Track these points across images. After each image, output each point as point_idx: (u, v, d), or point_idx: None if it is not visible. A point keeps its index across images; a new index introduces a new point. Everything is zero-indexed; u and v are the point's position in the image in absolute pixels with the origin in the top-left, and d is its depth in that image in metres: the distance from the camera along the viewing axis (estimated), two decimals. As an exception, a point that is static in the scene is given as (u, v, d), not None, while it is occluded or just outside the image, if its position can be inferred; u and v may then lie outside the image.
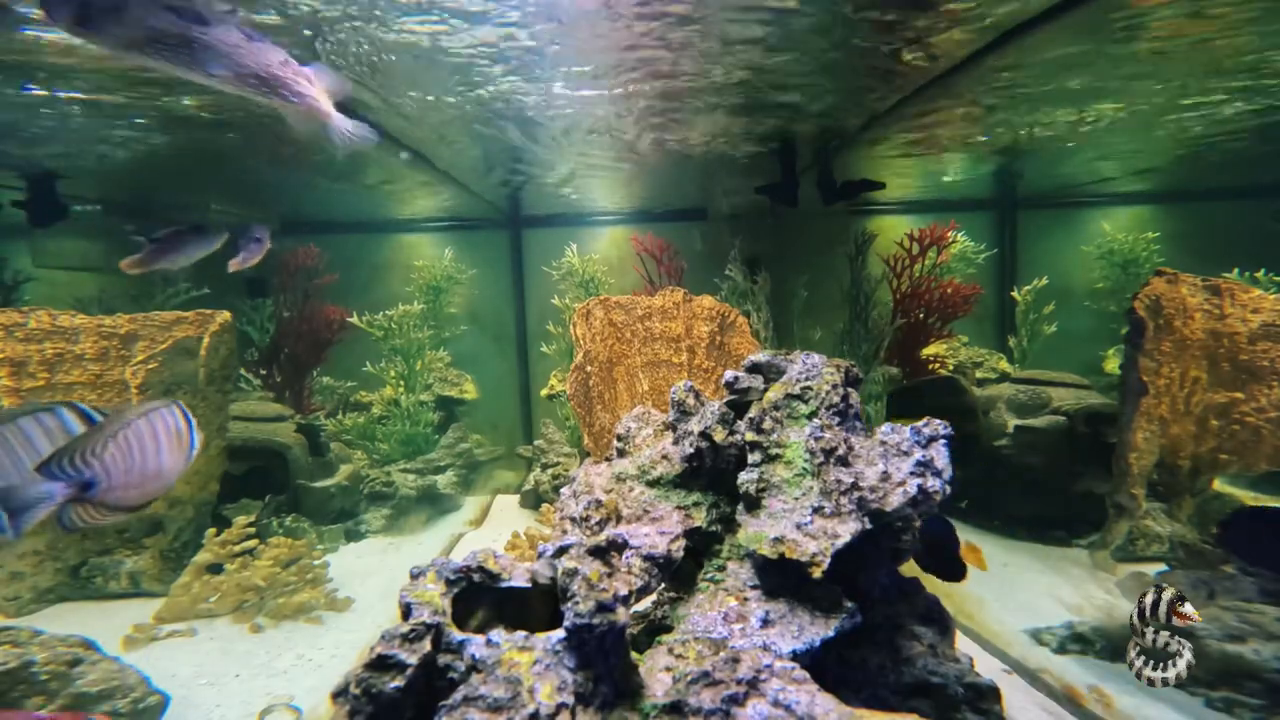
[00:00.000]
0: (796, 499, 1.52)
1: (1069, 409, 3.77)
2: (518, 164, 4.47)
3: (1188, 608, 1.73)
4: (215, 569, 3.15)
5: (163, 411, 1.65)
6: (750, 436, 1.63)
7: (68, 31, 1.54)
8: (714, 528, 1.66)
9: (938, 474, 1.53)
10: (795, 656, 1.34)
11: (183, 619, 3.04)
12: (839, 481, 1.50)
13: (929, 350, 5.26)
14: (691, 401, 1.82)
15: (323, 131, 1.97)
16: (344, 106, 2.00)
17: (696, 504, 1.69)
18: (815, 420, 1.61)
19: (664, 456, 1.77)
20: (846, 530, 1.43)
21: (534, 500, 4.77)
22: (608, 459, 1.91)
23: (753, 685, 1.15)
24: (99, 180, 4.54)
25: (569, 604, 1.19)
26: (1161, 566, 2.97)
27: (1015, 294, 6.02)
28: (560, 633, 1.21)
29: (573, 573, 1.22)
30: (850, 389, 1.72)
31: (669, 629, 1.51)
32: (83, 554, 3.33)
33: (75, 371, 3.25)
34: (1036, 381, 4.15)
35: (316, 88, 1.86)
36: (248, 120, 3.27)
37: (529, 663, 1.17)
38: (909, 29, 2.45)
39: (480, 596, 1.35)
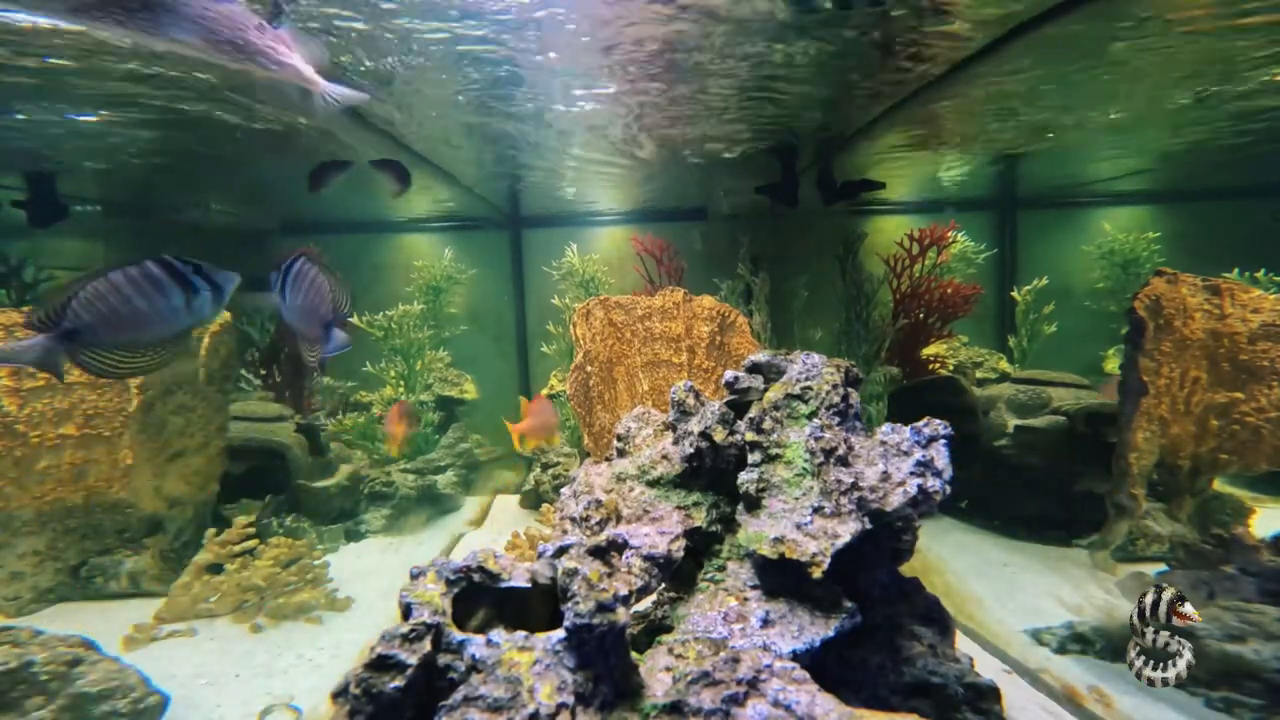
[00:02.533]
0: (796, 499, 1.52)
1: (1069, 409, 3.77)
2: (518, 164, 4.48)
3: (1188, 608, 1.73)
4: (215, 569, 3.15)
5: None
6: (750, 436, 1.63)
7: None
8: (714, 528, 1.66)
9: (938, 474, 1.53)
10: (795, 656, 1.34)
11: (183, 619, 3.04)
12: (839, 481, 1.50)
13: (929, 350, 5.26)
14: (691, 401, 1.82)
15: (304, 100, 1.92)
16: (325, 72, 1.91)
17: (696, 504, 1.69)
18: (815, 420, 1.61)
19: (664, 456, 1.77)
20: (846, 530, 1.43)
21: (534, 500, 4.77)
22: (608, 459, 1.91)
23: (753, 685, 1.15)
24: (99, 180, 4.54)
25: (569, 604, 1.19)
26: (1161, 566, 2.97)
27: (1015, 294, 6.02)
28: (560, 633, 1.21)
29: (573, 573, 1.22)
30: (850, 389, 1.72)
31: (669, 629, 1.51)
32: (83, 554, 3.33)
33: (75, 371, 3.25)
34: (1036, 381, 4.14)
35: (295, 53, 1.79)
36: (247, 123, 3.28)
37: (529, 663, 1.17)
38: (908, 33, 2.45)
39: (480, 596, 1.35)
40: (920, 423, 1.61)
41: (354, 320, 5.51)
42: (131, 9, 1.49)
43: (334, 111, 1.93)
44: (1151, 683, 1.75)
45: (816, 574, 1.37)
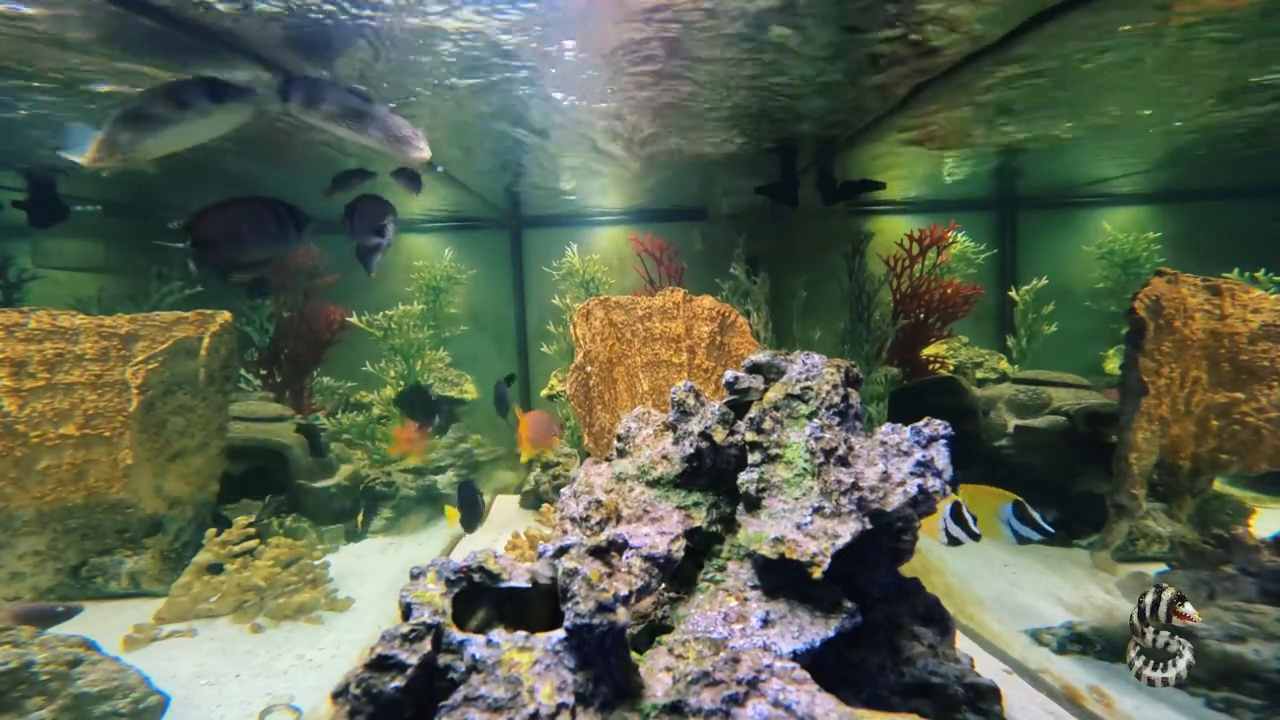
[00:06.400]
0: (797, 499, 1.52)
1: (1069, 409, 3.77)
2: (518, 164, 4.48)
3: (1188, 608, 1.73)
4: (215, 569, 3.15)
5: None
6: (750, 437, 1.63)
7: (293, 110, 2.39)
8: (714, 528, 1.66)
9: (938, 474, 1.53)
10: (795, 656, 1.34)
11: (183, 619, 3.04)
12: (839, 482, 1.50)
13: (929, 350, 5.26)
14: (691, 401, 1.82)
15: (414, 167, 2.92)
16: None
17: (696, 504, 1.69)
18: (815, 420, 1.61)
19: (664, 457, 1.77)
20: (847, 530, 1.43)
21: (534, 500, 4.76)
22: (608, 459, 1.91)
23: (753, 685, 1.15)
24: (99, 180, 4.54)
25: (569, 604, 1.19)
26: (1161, 566, 2.97)
27: (1012, 294, 6.02)
28: (560, 633, 1.21)
29: (573, 573, 1.22)
30: (850, 389, 1.72)
31: (669, 629, 1.51)
32: (83, 554, 3.33)
33: (75, 371, 3.25)
34: (1036, 381, 4.14)
35: (423, 139, 2.57)
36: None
37: (529, 663, 1.17)
38: (908, 31, 2.45)
39: (480, 597, 1.35)
40: (920, 423, 1.61)
41: (355, 320, 5.52)
42: (354, 119, 2.42)
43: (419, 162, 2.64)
44: (1151, 683, 1.75)
45: (816, 574, 1.37)
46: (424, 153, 2.53)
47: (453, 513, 3.46)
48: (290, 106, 2.37)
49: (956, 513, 2.38)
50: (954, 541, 2.38)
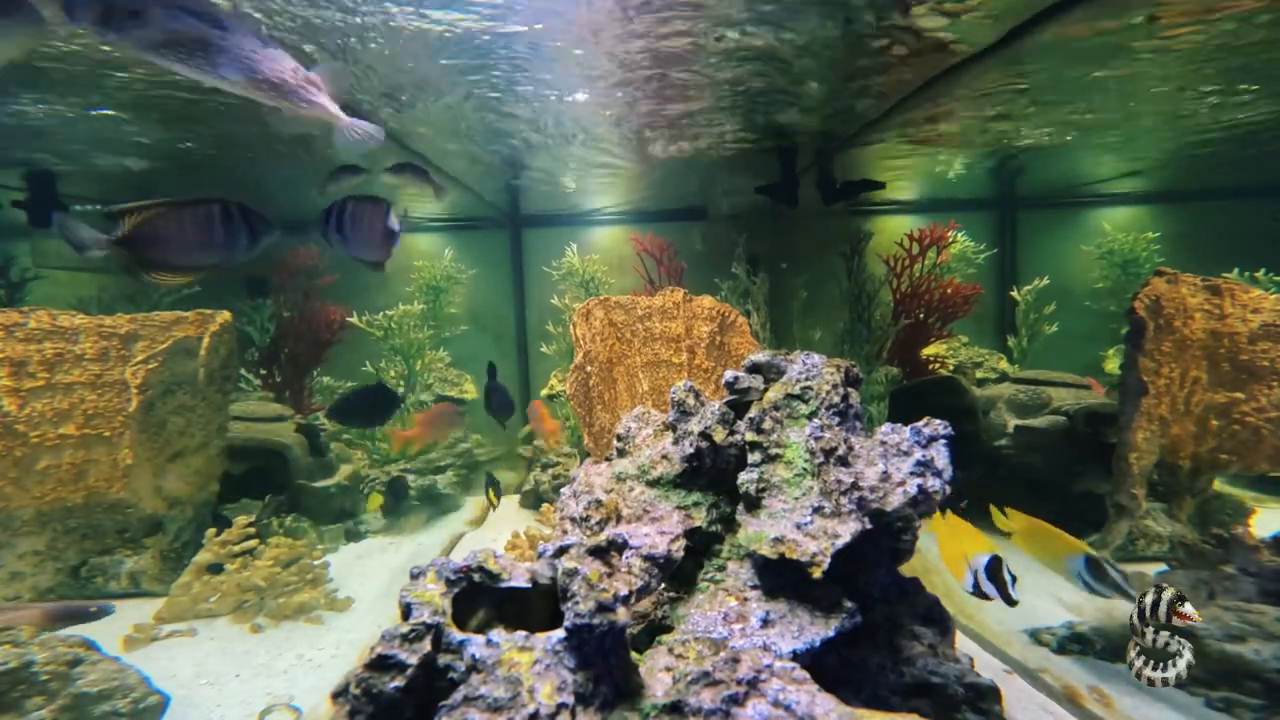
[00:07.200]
0: (796, 499, 1.52)
1: (1069, 409, 3.77)
2: (518, 164, 4.47)
3: (1188, 608, 1.73)
4: (215, 569, 3.15)
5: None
6: (750, 436, 1.63)
7: (90, 32, 1.63)
8: (714, 528, 1.66)
9: (938, 474, 1.53)
10: (795, 656, 1.34)
11: (183, 619, 3.04)
12: (839, 481, 1.50)
13: (929, 350, 5.26)
14: (691, 401, 1.81)
15: (331, 133, 2.04)
16: (349, 106, 2.03)
17: (696, 504, 1.69)
18: (815, 420, 1.61)
19: (664, 456, 1.77)
20: (847, 530, 1.43)
21: (534, 500, 4.77)
22: (608, 459, 1.91)
23: (753, 685, 1.15)
24: (99, 180, 4.54)
25: (569, 604, 1.19)
26: (1161, 566, 2.97)
27: (1015, 294, 6.02)
28: (560, 633, 1.21)
29: (573, 573, 1.22)
30: (850, 389, 1.72)
31: (669, 629, 1.51)
32: (83, 554, 3.33)
33: (75, 371, 3.25)
34: (1036, 381, 4.14)
35: (324, 93, 1.92)
36: (243, 122, 3.28)
37: (529, 663, 1.17)
38: (908, 30, 2.45)
39: (480, 596, 1.35)
40: (920, 423, 1.61)
41: (355, 320, 5.52)
42: (192, 50, 1.69)
43: (356, 145, 2.05)
44: (1151, 683, 1.75)
45: (816, 574, 1.37)
46: (320, 105, 1.86)
47: (493, 498, 4.20)
48: (82, 27, 1.62)
49: (994, 569, 2.05)
50: (981, 595, 2.07)
